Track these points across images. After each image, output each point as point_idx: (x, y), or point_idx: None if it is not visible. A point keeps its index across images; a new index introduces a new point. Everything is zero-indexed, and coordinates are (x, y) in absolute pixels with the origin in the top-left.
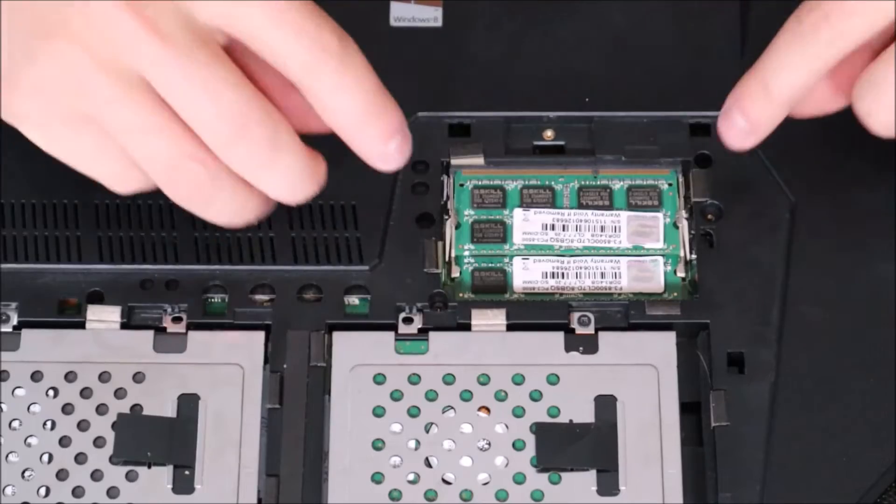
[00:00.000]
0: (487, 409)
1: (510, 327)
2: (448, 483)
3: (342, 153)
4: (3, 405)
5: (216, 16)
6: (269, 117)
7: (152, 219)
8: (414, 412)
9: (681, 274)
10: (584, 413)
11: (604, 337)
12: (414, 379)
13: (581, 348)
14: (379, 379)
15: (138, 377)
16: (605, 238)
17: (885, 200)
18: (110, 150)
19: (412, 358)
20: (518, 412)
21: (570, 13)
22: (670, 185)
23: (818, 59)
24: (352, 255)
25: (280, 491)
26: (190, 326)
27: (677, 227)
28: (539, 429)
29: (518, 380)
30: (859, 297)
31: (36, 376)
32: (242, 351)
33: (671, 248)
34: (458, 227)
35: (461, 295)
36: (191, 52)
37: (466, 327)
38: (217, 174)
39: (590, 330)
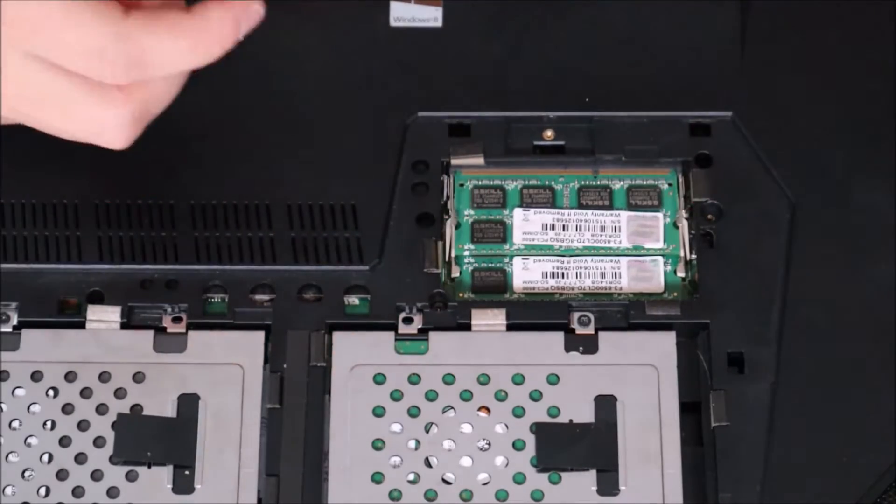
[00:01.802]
0: (487, 409)
1: (510, 327)
2: (448, 483)
3: (341, 153)
4: (3, 405)
5: None
6: None
7: (152, 219)
8: (414, 412)
9: (681, 274)
10: (584, 413)
11: (604, 337)
12: (414, 379)
13: (581, 348)
14: (379, 379)
15: (138, 377)
16: (605, 238)
17: (885, 200)
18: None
19: (412, 358)
20: (518, 412)
21: (570, 13)
22: (670, 185)
23: None
24: (352, 255)
25: (280, 491)
26: (190, 326)
27: (677, 227)
28: (539, 429)
29: (518, 380)
30: (859, 297)
31: (36, 376)
32: (242, 351)
33: (671, 248)
34: (458, 227)
35: (461, 295)
36: None
37: (466, 327)
38: None
39: (590, 330)
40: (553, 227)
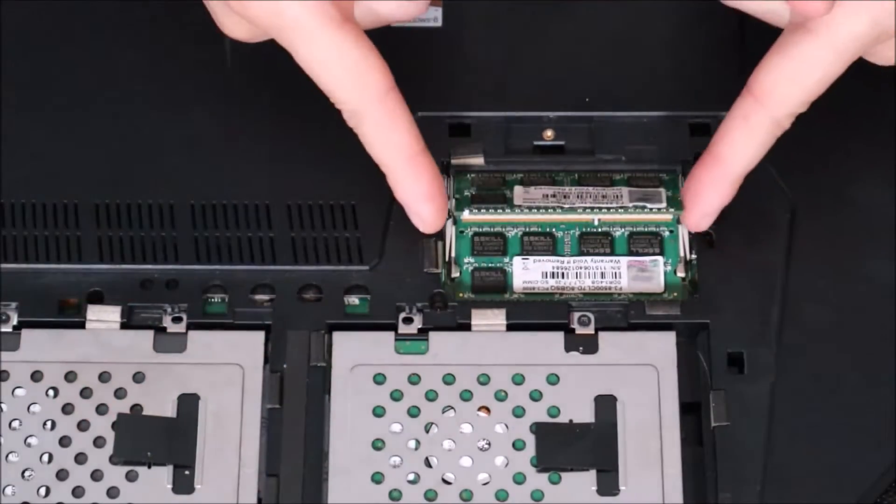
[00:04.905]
0: (487, 409)
1: (510, 327)
2: (448, 483)
3: (341, 153)
4: (3, 405)
5: None
6: None
7: (152, 219)
8: (414, 412)
9: (681, 274)
10: (584, 413)
11: (604, 337)
12: (414, 379)
13: (581, 348)
14: (379, 379)
15: (138, 377)
16: (608, 203)
17: (885, 200)
18: None
19: (412, 358)
20: (518, 412)
21: (570, 13)
22: (669, 174)
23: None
24: (352, 255)
25: (280, 491)
26: (190, 326)
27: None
28: (539, 429)
29: (518, 380)
30: (859, 297)
31: (36, 376)
32: (242, 351)
33: (672, 212)
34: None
35: (461, 295)
36: None
37: (466, 327)
38: None
39: (590, 330)
40: (554, 197)
